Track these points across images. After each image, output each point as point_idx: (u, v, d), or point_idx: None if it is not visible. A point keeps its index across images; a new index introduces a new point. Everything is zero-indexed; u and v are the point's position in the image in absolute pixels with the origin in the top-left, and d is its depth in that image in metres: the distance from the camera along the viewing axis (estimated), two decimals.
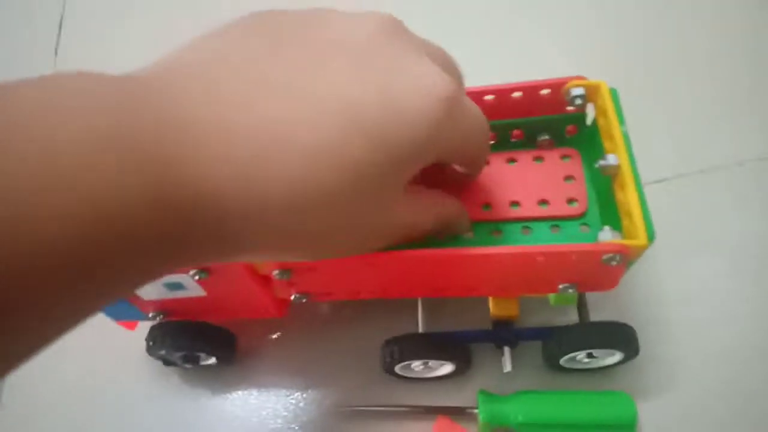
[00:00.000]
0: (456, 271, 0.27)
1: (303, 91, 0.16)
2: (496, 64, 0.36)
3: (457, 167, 0.27)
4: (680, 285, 0.35)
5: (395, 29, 0.20)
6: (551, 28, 0.47)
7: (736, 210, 0.37)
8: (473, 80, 0.29)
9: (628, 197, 0.26)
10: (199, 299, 0.32)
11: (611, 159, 0.27)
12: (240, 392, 0.36)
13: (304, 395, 0.35)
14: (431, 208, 0.23)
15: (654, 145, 0.40)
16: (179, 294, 0.31)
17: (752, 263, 0.35)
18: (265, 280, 0.29)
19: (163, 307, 0.33)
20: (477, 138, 0.22)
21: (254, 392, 0.36)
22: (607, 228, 0.25)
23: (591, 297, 0.32)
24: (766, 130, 0.40)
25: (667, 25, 0.46)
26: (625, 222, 0.26)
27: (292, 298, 0.30)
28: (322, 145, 0.16)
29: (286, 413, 0.35)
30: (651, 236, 0.24)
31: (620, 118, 0.28)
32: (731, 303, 0.34)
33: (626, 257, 0.24)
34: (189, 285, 0.30)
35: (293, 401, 0.35)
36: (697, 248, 0.36)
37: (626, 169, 0.26)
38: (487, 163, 0.33)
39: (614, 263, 0.24)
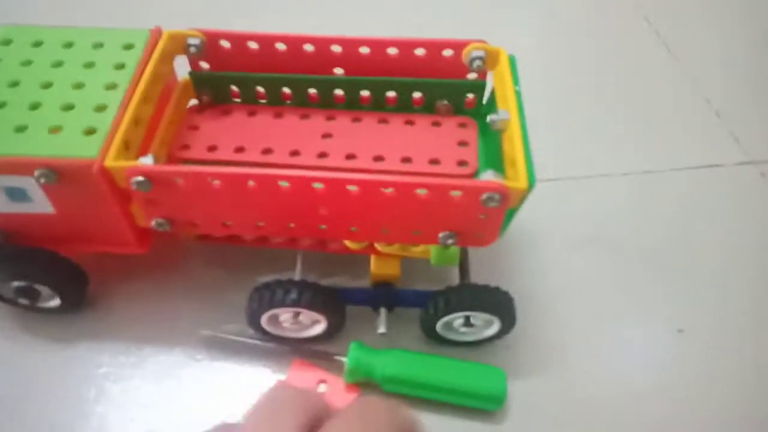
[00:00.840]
0: (336, 201, 0.25)
1: None
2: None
3: None
4: (566, 276, 0.35)
5: None
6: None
7: (636, 213, 0.39)
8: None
9: (514, 148, 0.26)
10: (47, 219, 0.28)
11: (503, 113, 0.27)
12: (83, 342, 0.31)
13: (154, 348, 0.31)
14: None
15: (585, 145, 0.43)
16: (23, 208, 0.27)
17: (640, 264, 0.37)
18: (125, 196, 0.27)
19: (3, 225, 0.29)
20: None
21: (97, 344, 0.31)
22: (490, 171, 0.25)
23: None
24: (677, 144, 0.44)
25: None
26: (509, 171, 0.26)
27: (153, 224, 0.27)
28: None
29: (130, 366, 0.31)
30: (531, 182, 0.24)
31: (515, 80, 0.29)
32: (617, 300, 0.35)
33: (505, 199, 0.24)
34: (35, 195, 0.27)
35: (141, 352, 0.31)
36: (587, 243, 0.37)
37: (515, 124, 0.26)
38: (386, 122, 0.32)
39: (493, 204, 0.24)
